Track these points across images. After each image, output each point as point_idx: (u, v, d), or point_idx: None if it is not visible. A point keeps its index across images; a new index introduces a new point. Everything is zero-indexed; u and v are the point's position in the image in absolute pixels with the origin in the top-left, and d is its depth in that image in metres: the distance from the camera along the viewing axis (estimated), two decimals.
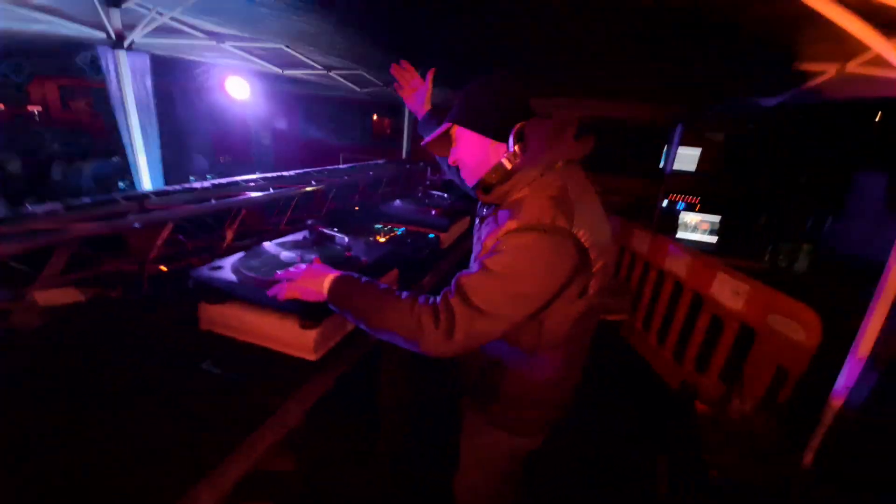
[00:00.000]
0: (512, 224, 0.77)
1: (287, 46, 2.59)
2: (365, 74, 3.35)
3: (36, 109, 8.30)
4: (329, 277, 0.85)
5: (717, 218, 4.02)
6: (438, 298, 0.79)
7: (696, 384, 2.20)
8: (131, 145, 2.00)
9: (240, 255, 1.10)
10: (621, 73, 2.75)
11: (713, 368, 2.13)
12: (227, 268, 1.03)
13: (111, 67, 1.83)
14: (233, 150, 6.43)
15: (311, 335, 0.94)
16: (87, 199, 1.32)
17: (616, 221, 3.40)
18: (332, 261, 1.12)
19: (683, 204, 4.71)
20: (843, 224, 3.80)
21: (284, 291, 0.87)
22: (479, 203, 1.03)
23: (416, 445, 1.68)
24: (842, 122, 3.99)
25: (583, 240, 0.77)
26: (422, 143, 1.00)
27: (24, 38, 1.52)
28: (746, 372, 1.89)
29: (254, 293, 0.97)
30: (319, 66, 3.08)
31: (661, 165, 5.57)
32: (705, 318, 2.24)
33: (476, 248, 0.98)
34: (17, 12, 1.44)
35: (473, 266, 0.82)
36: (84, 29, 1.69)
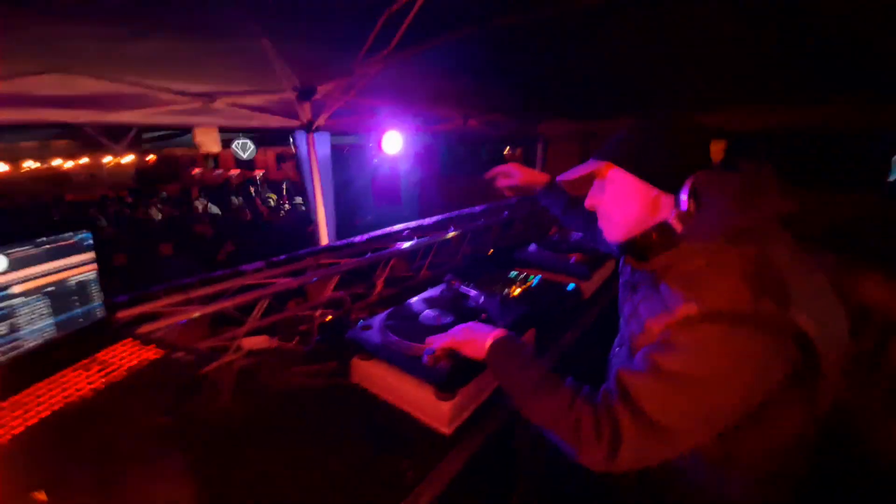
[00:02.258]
0: (691, 308, 0.60)
1: (432, 106, 2.87)
2: (498, 118, 3.46)
3: (260, 172, 11.30)
4: (492, 336, 0.80)
5: None
6: (598, 397, 0.65)
7: None
8: (314, 203, 2.48)
9: (385, 314, 1.19)
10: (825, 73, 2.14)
11: None
12: (375, 328, 1.12)
13: (302, 145, 2.34)
14: (387, 194, 7.41)
15: (447, 407, 0.93)
16: (282, 257, 1.65)
17: (828, 259, 2.57)
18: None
19: None
20: None
21: (443, 341, 0.86)
22: (624, 262, 0.87)
23: None
24: None
25: (805, 328, 0.55)
26: (557, 179, 0.89)
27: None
28: None
29: (396, 356, 1.02)
30: (459, 118, 3.31)
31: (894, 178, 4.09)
32: None
33: (629, 323, 0.78)
34: (239, 112, 1.98)
35: (637, 360, 0.65)
36: (286, 120, 2.20)
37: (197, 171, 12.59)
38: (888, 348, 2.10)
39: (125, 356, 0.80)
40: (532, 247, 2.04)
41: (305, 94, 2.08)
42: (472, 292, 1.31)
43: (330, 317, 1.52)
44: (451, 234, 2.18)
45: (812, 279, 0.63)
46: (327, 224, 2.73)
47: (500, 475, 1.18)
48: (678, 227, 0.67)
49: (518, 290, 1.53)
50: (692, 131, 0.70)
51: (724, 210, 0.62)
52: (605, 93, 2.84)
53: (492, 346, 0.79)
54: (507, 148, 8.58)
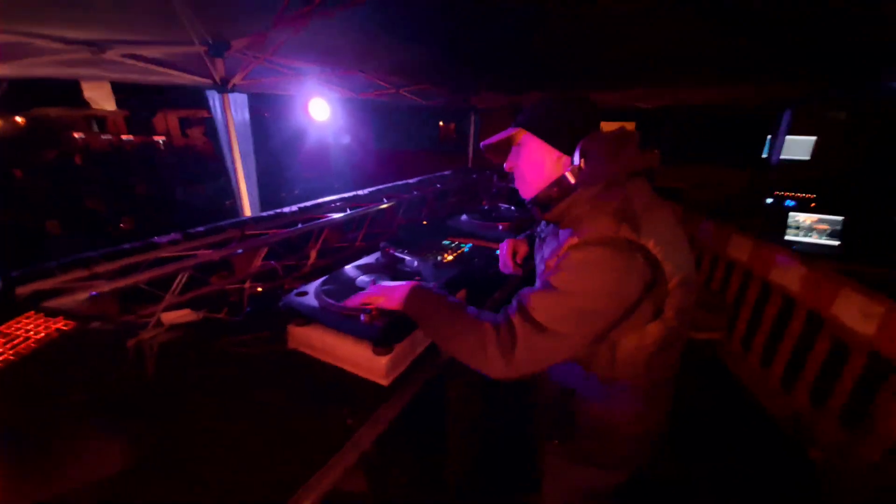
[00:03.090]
0: (573, 240, 0.76)
1: (361, 71, 2.76)
2: (430, 88, 3.44)
3: (160, 139, 9.94)
4: (407, 285, 0.90)
5: (838, 218, 3.39)
6: (500, 315, 0.79)
7: (811, 422, 1.88)
8: (234, 172, 2.30)
9: (321, 280, 1.19)
10: (709, 53, 2.47)
11: (833, 405, 1.79)
12: (310, 294, 1.13)
13: (217, 107, 2.13)
14: (316, 165, 7.02)
15: (383, 361, 0.98)
16: (200, 228, 1.53)
17: (708, 225, 3.05)
18: None
19: (793, 202, 4.05)
20: None
21: (361, 297, 0.95)
22: (540, 223, 1.02)
23: (486, 472, 1.68)
24: None
25: (653, 251, 0.73)
26: (481, 144, 1.01)
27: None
28: (877, 411, 1.57)
29: (333, 318, 1.04)
30: (390, 86, 3.23)
31: (765, 155, 4.87)
32: (824, 343, 1.90)
33: (539, 268, 0.96)
34: (136, 66, 1.74)
35: (536, 284, 0.80)
36: (194, 78, 1.98)
37: (79, 135, 10.68)
38: (749, 292, 2.55)
39: (31, 328, 0.72)
40: (464, 217, 2.13)
41: (217, 48, 1.88)
42: (407, 258, 1.36)
43: (260, 288, 1.47)
44: (385, 205, 2.18)
45: (663, 218, 0.79)
46: (249, 195, 2.56)
47: (436, 422, 1.29)
48: (572, 179, 0.82)
49: (451, 256, 1.61)
50: (585, 105, 0.86)
51: (600, 163, 0.79)
52: (536, 68, 2.96)
53: (407, 293, 0.89)
54: (441, 122, 8.55)
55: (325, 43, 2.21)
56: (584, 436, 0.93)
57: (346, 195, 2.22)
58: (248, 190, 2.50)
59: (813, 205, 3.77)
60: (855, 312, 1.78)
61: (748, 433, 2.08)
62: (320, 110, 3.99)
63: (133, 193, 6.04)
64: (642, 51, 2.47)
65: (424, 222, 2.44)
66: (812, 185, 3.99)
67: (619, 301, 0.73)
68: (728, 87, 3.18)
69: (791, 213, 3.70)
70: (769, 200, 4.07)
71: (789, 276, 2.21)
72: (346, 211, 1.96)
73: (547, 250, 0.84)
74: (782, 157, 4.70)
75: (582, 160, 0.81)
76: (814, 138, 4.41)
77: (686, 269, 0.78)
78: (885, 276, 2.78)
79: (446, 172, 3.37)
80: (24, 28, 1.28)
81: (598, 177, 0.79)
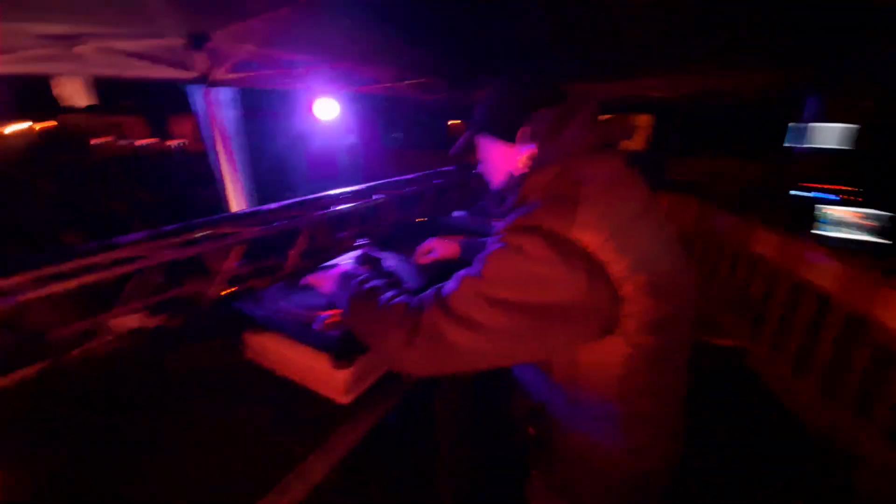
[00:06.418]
0: (505, 224, 0.65)
1: (354, 63, 2.65)
2: (429, 81, 3.31)
3: (176, 142, 10.13)
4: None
5: (883, 213, 3.08)
6: (415, 299, 0.69)
7: (853, 435, 1.66)
8: (219, 172, 2.21)
9: (283, 283, 1.07)
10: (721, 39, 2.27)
11: (877, 415, 1.58)
12: (268, 298, 1.01)
13: (200, 103, 2.05)
14: (323, 167, 6.98)
15: (343, 375, 0.85)
16: (169, 227, 1.44)
17: (725, 219, 2.83)
18: None
19: (827, 194, 3.74)
20: None
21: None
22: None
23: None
24: None
25: (590, 247, 0.58)
26: (449, 153, 0.98)
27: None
28: None
29: (287, 325, 0.92)
30: (388, 79, 3.11)
31: (787, 144, 4.55)
32: (866, 349, 1.68)
33: None
34: (111, 59, 1.65)
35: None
36: (175, 71, 1.88)
37: (99, 141, 10.93)
38: (777, 292, 2.32)
39: None
40: (457, 212, 1.99)
41: (197, 40, 1.78)
42: (385, 257, 1.23)
43: (229, 291, 1.36)
44: (373, 201, 2.06)
45: (622, 205, 0.64)
46: (246, 197, 2.48)
47: (413, 442, 1.15)
48: (521, 167, 0.73)
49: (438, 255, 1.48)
50: (521, 87, 0.76)
51: (547, 145, 0.69)
52: (550, 60, 2.80)
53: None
54: (449, 121, 8.42)
55: (315, 31, 2.10)
56: (560, 461, 0.78)
57: (334, 192, 2.11)
58: (243, 191, 2.41)
59: (851, 198, 3.48)
60: None
61: (783, 443, 1.86)
62: (327, 109, 3.89)
63: (143, 200, 6.14)
64: (649, 40, 2.28)
65: (419, 220, 2.31)
66: (850, 176, 3.69)
67: (539, 296, 0.59)
68: (745, 73, 2.94)
69: (819, 206, 3.42)
70: (796, 192, 3.79)
71: (823, 274, 1.98)
72: (330, 209, 1.85)
73: None
74: (810, 145, 4.38)
75: (536, 145, 0.70)
76: (848, 126, 4.08)
77: (658, 269, 0.62)
78: None
79: (448, 168, 3.23)
80: None
81: (550, 160, 0.69)
